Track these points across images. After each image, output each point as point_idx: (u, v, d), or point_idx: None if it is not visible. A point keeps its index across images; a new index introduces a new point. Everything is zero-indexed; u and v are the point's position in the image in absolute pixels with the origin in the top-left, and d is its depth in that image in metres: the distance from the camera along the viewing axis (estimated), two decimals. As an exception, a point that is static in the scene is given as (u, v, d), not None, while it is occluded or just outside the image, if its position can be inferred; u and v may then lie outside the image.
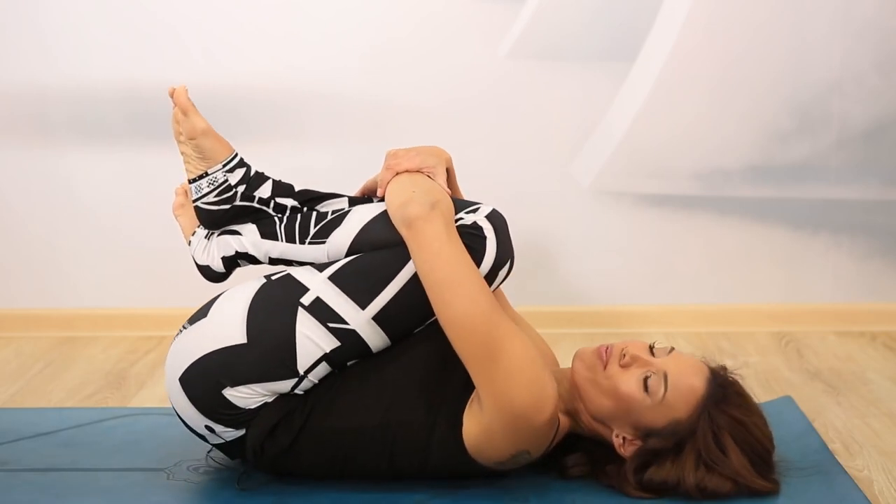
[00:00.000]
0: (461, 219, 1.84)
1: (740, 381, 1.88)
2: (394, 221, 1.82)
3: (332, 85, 3.02)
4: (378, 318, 1.84)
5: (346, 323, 1.83)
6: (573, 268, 3.10)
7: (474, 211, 1.86)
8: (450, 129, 3.01)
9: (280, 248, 1.95)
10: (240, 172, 1.95)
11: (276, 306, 1.85)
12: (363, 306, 1.83)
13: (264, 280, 1.91)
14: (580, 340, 2.95)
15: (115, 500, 1.91)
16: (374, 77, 3.01)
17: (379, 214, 1.88)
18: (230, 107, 2.99)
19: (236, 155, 1.95)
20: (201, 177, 1.94)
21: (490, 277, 1.85)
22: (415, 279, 1.81)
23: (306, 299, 1.84)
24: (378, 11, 3.01)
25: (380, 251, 1.85)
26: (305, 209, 1.97)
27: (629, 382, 1.81)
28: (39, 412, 2.41)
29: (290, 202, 1.97)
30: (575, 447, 1.92)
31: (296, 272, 1.89)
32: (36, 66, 3.00)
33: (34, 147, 3.05)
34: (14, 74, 3.02)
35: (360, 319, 1.83)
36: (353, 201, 1.98)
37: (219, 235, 1.99)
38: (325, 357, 1.84)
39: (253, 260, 1.99)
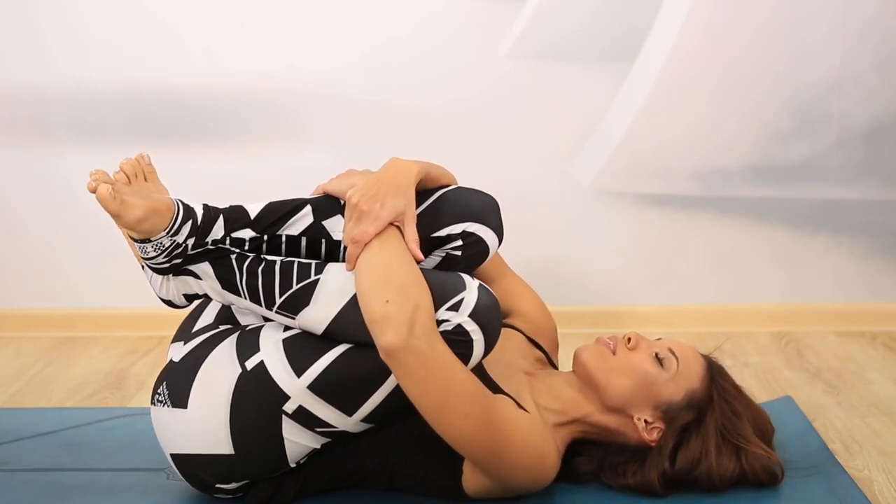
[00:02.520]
0: (445, 321, 1.71)
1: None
2: (372, 335, 1.68)
3: (332, 85, 3.02)
4: (367, 419, 1.78)
5: (333, 427, 1.77)
6: (573, 268, 3.10)
7: (457, 307, 1.72)
8: (450, 129, 3.01)
9: (245, 303, 1.82)
10: (186, 228, 1.76)
11: (258, 415, 1.76)
12: (350, 414, 1.76)
13: (240, 370, 1.78)
14: (580, 340, 2.92)
15: (115, 500, 1.91)
16: (375, 77, 3.01)
17: (351, 301, 1.74)
18: (230, 107, 2.99)
19: (179, 211, 1.76)
20: (145, 241, 1.76)
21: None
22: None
23: (289, 407, 1.75)
24: (378, 11, 3.01)
25: (361, 354, 1.74)
26: (266, 237, 1.81)
27: (643, 360, 1.87)
28: (39, 412, 2.41)
29: (247, 234, 1.80)
30: (581, 451, 1.92)
31: (271, 365, 1.76)
32: (36, 66, 3.00)
33: (34, 147, 3.05)
34: (14, 74, 3.02)
35: (348, 423, 1.77)
36: (317, 211, 1.83)
37: (176, 275, 1.83)
38: (315, 451, 1.82)
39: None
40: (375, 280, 1.70)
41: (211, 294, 1.83)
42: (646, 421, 1.86)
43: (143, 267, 1.86)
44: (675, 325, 3.06)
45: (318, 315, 1.76)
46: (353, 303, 1.73)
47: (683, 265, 3.11)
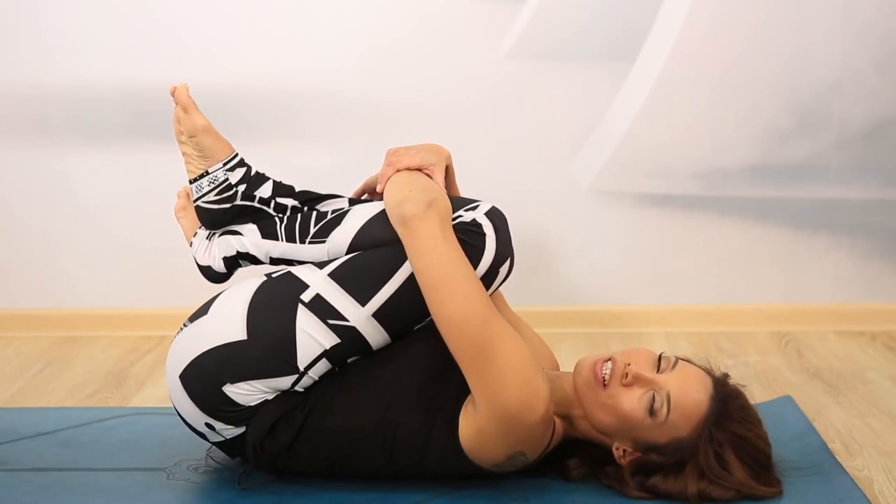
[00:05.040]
0: (460, 216, 1.85)
1: (741, 389, 1.88)
2: (391, 219, 1.83)
3: (333, 85, 3.02)
4: (378, 315, 1.84)
5: (346, 320, 1.84)
6: (573, 268, 3.10)
7: (474, 208, 1.87)
8: (450, 129, 3.01)
9: (281, 247, 1.95)
10: (240, 172, 1.96)
11: (276, 303, 1.85)
12: (363, 303, 1.84)
13: (265, 278, 1.91)
14: (580, 340, 2.95)
15: (115, 500, 1.91)
16: (375, 77, 3.02)
17: (378, 213, 1.89)
18: (231, 107, 2.99)
19: (237, 154, 1.97)
20: (202, 176, 1.95)
21: (490, 275, 1.85)
22: (414, 276, 1.81)
23: (306, 296, 1.84)
24: (378, 12, 3.01)
25: (379, 248, 1.86)
26: (306, 209, 1.98)
27: (631, 403, 1.80)
28: (39, 412, 2.42)
29: (290, 202, 1.98)
30: (574, 450, 1.91)
31: (296, 269, 1.90)
32: (36, 66, 3.00)
33: (34, 147, 3.05)
34: (14, 74, 3.02)
35: (360, 316, 1.84)
36: (353, 202, 1.99)
37: (220, 236, 1.99)
38: (325, 353, 1.84)
39: (254, 260, 1.99)
40: (402, 183, 1.87)
41: (250, 248, 1.97)
42: (625, 450, 1.84)
43: (190, 243, 2.04)
44: (675, 325, 3.06)
45: (345, 231, 1.90)
46: (380, 215, 1.88)
47: (683, 265, 3.11)
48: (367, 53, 3.01)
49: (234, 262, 2.00)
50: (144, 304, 3.09)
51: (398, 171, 1.91)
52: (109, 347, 2.96)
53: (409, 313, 1.86)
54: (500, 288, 2.07)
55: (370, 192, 2.03)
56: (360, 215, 1.91)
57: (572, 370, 1.91)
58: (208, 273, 2.02)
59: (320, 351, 1.84)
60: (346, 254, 1.89)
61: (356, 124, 3.02)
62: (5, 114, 3.04)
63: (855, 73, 2.99)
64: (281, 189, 1.98)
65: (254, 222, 1.98)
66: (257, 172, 1.98)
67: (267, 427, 1.86)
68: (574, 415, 1.87)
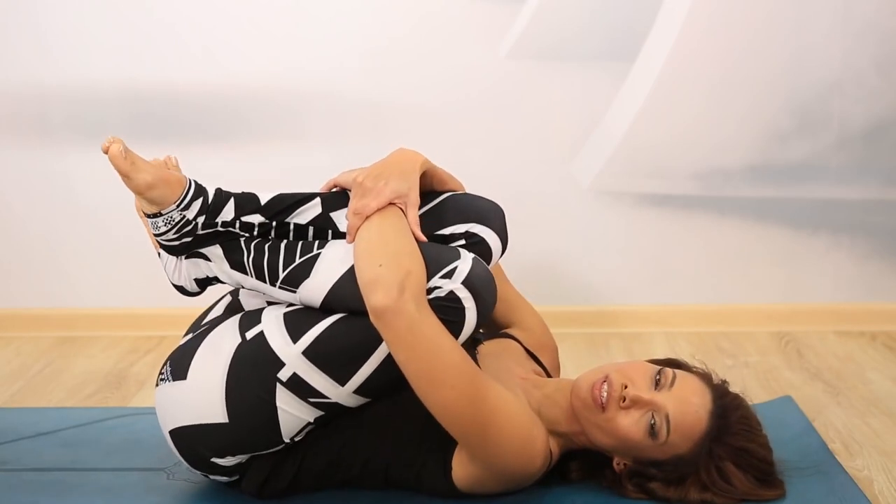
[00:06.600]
0: (437, 288, 1.72)
1: (741, 396, 1.86)
2: (364, 297, 1.70)
3: (333, 85, 3.02)
4: (359, 391, 1.78)
5: (326, 397, 1.78)
6: (573, 268, 3.10)
7: (450, 275, 1.74)
8: (450, 129, 3.01)
9: (251, 282, 1.85)
10: (196, 205, 1.82)
11: (253, 382, 1.77)
12: (342, 383, 1.77)
13: (240, 340, 1.81)
14: (580, 340, 2.95)
15: (114, 499, 1.91)
16: (375, 77, 3.01)
17: (349, 271, 1.77)
18: (230, 107, 2.99)
19: (190, 187, 1.82)
20: (157, 215, 1.81)
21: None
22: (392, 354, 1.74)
23: (283, 375, 1.76)
24: (378, 11, 3.01)
25: (355, 322, 1.76)
26: (275, 224, 1.86)
27: (630, 426, 1.78)
28: (39, 412, 2.42)
29: (256, 219, 1.85)
30: (575, 453, 1.91)
31: (269, 333, 1.79)
32: (36, 66, 3.00)
33: (34, 147, 3.05)
34: (14, 74, 3.01)
35: (341, 393, 1.78)
36: (325, 203, 1.88)
37: (188, 258, 1.89)
38: (310, 424, 1.81)
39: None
40: (371, 246, 1.74)
41: (220, 275, 1.88)
42: (625, 464, 1.84)
43: (159, 254, 1.92)
44: (675, 325, 3.06)
45: (316, 286, 1.79)
46: (350, 273, 1.76)
47: (683, 265, 3.11)
48: (367, 53, 3.01)
49: (207, 281, 1.91)
50: (144, 304, 3.09)
51: (367, 217, 1.78)
52: (109, 347, 2.96)
53: (391, 384, 1.78)
54: (501, 264, 2.07)
55: (344, 188, 1.90)
56: (330, 269, 1.79)
57: (570, 374, 1.90)
58: (182, 291, 1.94)
59: (304, 424, 1.80)
60: (320, 309, 1.80)
61: (356, 124, 3.02)
62: (5, 114, 3.04)
63: (855, 73, 2.99)
64: (244, 206, 1.84)
65: (220, 244, 1.86)
66: (217, 193, 1.83)
67: (261, 480, 1.85)
68: (572, 431, 1.86)
